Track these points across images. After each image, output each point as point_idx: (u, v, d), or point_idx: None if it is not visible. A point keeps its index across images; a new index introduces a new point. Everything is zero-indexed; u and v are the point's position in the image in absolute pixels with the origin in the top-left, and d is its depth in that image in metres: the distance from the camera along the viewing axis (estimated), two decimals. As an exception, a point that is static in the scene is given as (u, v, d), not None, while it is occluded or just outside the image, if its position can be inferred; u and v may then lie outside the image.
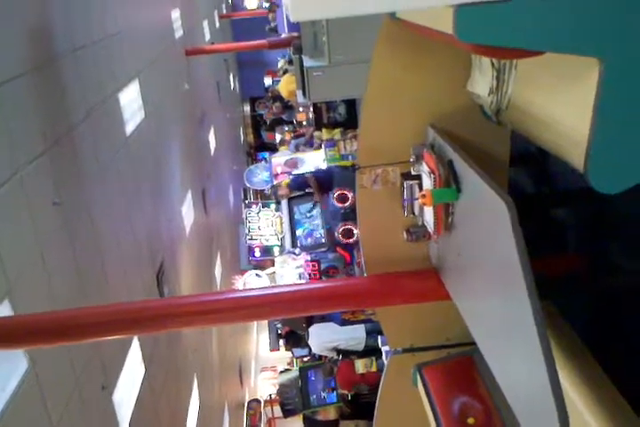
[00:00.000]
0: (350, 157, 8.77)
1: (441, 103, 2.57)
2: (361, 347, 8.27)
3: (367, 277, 2.96)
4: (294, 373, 9.28)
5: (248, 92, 21.11)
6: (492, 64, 2.08)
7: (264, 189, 12.10)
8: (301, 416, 9.07)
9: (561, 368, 1.89)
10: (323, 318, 8.39)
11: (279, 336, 11.86)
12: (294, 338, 10.34)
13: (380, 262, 2.88)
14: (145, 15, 8.46)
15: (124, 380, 5.01)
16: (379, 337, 6.95)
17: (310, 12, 1.41)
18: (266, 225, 10.43)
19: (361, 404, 8.14)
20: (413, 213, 2.67)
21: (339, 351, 8.36)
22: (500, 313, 2.05)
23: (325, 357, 8.98)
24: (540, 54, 1.53)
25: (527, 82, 2.01)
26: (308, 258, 8.58)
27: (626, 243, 2.82)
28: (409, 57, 2.45)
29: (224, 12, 19.49)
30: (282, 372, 10.22)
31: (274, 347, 12.64)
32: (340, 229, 8.38)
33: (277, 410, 11.36)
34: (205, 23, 14.74)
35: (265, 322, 12.46)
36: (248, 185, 11.62)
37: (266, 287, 5.09)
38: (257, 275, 9.08)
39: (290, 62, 9.98)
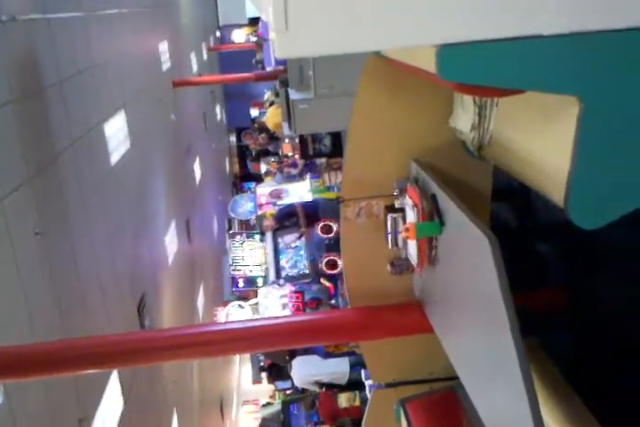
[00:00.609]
0: (335, 188, 8.82)
1: (424, 138, 2.60)
2: (344, 381, 8.19)
3: (350, 309, 2.94)
4: (276, 406, 9.17)
5: (234, 123, 21.25)
6: (474, 101, 2.12)
7: (249, 220, 12.10)
8: (283, 451, 8.93)
9: (543, 404, 1.88)
10: (306, 351, 8.30)
11: (261, 369, 11.73)
12: (277, 370, 10.23)
13: (364, 294, 2.87)
14: (133, 46, 8.53)
15: (102, 413, 4.90)
16: (362, 371, 6.90)
17: (295, 50, 1.44)
18: (250, 256, 10.39)
19: (344, 439, 8.03)
20: (397, 246, 2.67)
21: (321, 385, 8.27)
22: (482, 348, 2.04)
23: (308, 389, 8.87)
24: (520, 93, 1.57)
25: (508, 119, 2.04)
26: (293, 289, 8.54)
27: (608, 277, 2.83)
28: (393, 92, 2.49)
29: (212, 44, 19.72)
30: (264, 405, 10.08)
31: (256, 379, 12.48)
32: (325, 260, 8.37)
33: (259, 445, 11.15)
34: (193, 55, 14.89)
35: (247, 354, 12.32)
36: (233, 215, 11.62)
37: (248, 320, 5.04)
38: (240, 306, 9.01)
39: (276, 95, 10.08)
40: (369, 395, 4.06)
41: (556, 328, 2.99)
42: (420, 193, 2.38)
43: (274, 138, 14.18)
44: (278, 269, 9.37)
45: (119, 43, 7.50)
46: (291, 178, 11.00)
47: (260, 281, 10.15)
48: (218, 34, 21.76)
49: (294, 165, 10.79)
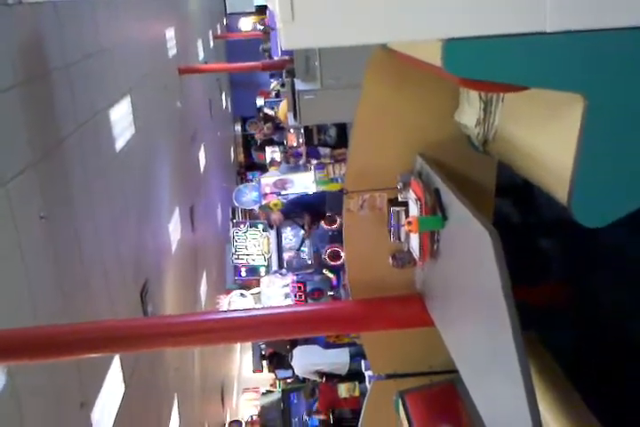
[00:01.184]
0: (339, 179, 8.80)
1: (429, 132, 2.60)
2: (344, 371, 8.23)
3: (351, 301, 2.96)
4: (276, 395, 9.23)
5: (239, 112, 21.18)
6: (480, 96, 2.12)
7: (252, 209, 12.12)
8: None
9: (541, 399, 1.90)
10: (307, 341, 8.35)
11: (263, 357, 11.78)
12: (278, 359, 10.28)
13: (366, 286, 2.88)
14: (140, 32, 8.51)
15: (104, 398, 4.95)
16: (362, 361, 6.93)
17: (302, 41, 1.44)
18: (253, 245, 10.42)
19: (343, 429, 8.09)
20: (399, 239, 2.68)
21: (322, 374, 8.31)
22: (482, 342, 2.05)
23: (309, 379, 8.92)
24: (526, 89, 1.56)
25: (514, 114, 2.04)
26: (295, 279, 8.57)
27: (610, 273, 2.84)
28: (398, 85, 2.49)
29: (219, 32, 19.65)
30: (264, 393, 10.14)
31: (257, 368, 12.54)
32: (328, 251, 8.39)
33: (258, 432, 11.23)
34: (199, 42, 14.84)
35: (249, 343, 12.37)
36: (237, 204, 11.63)
37: (250, 309, 5.07)
38: (242, 295, 9.06)
39: (282, 85, 10.05)
40: (368, 386, 4.09)
41: (557, 324, 3.00)
42: (424, 187, 2.38)
43: (279, 128, 14.15)
44: (281, 259, 9.40)
45: (126, 28, 7.49)
46: (295, 168, 10.99)
47: (262, 270, 10.18)
48: (225, 22, 21.67)
49: (297, 154, 10.75)
